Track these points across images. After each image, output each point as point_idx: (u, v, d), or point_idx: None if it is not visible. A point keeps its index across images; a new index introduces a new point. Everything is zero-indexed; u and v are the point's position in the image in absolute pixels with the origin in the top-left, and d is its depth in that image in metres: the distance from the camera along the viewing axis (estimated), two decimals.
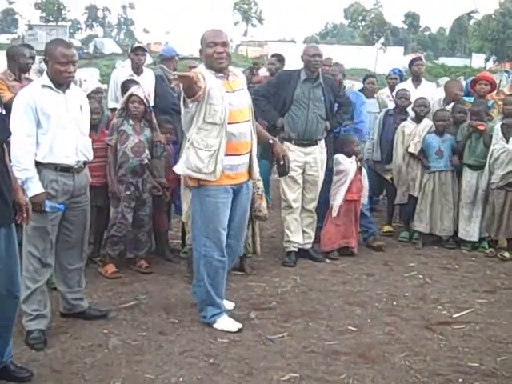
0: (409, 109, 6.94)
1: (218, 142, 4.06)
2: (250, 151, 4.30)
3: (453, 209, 6.43)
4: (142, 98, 5.31)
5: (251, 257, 5.61)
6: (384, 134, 6.85)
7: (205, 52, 4.14)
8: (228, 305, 4.58)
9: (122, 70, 7.23)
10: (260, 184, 5.33)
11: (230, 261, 4.43)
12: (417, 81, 7.77)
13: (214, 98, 4.02)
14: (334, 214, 6.02)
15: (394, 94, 7.44)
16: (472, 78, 8.15)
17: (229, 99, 4.09)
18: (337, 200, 6.02)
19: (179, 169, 4.24)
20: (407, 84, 7.84)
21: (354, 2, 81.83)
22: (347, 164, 6.03)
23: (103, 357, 3.82)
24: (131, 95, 5.30)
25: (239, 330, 4.22)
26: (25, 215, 3.41)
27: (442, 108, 6.71)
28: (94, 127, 5.05)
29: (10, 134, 3.43)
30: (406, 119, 6.83)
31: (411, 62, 8.02)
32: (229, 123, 4.09)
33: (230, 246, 4.37)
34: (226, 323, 4.28)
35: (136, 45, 7.56)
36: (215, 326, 4.28)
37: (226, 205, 4.21)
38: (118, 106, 5.49)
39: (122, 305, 4.69)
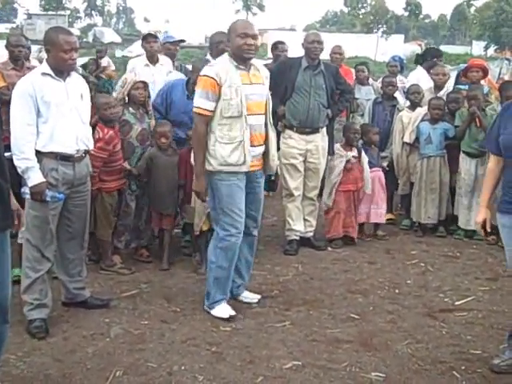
0: (396, 94, 7.03)
1: (241, 133, 4.14)
2: (265, 144, 4.35)
3: (438, 196, 6.41)
4: (146, 83, 5.28)
5: None
6: (375, 122, 6.81)
7: (234, 41, 4.18)
8: (252, 296, 4.62)
9: (138, 60, 7.08)
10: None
11: (248, 247, 4.52)
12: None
13: (227, 94, 4.11)
14: (329, 203, 6.05)
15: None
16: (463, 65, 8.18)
17: (245, 91, 4.15)
18: (328, 191, 6.06)
19: (208, 166, 4.22)
20: (419, 71, 7.79)
21: None
22: (338, 159, 6.02)
23: (105, 345, 3.82)
24: (135, 82, 5.26)
25: (230, 317, 4.21)
26: (16, 222, 3.08)
27: (436, 96, 6.67)
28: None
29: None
30: (394, 105, 6.85)
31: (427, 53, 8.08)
32: None
33: (248, 230, 4.44)
34: (220, 309, 4.28)
35: (146, 32, 7.36)
36: (212, 311, 4.30)
37: (239, 186, 4.24)
38: (119, 96, 5.40)
39: (123, 294, 4.68)
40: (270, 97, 4.49)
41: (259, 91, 4.30)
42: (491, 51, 52.23)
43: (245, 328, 4.12)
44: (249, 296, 4.61)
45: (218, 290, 4.32)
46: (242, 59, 4.21)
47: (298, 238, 5.90)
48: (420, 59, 8.16)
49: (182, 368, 3.55)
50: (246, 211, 4.35)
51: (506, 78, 15.03)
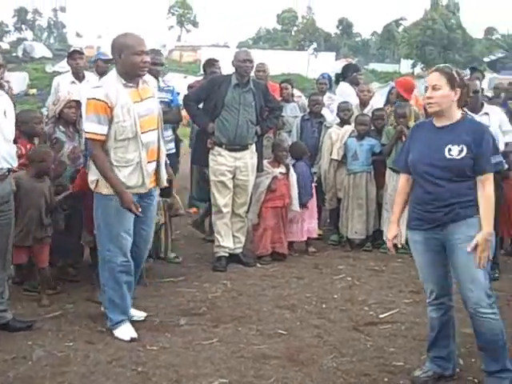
0: (324, 111, 7.22)
1: (137, 154, 4.08)
2: (158, 159, 4.30)
3: (366, 212, 6.58)
4: (80, 102, 5.20)
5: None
6: (303, 139, 6.91)
7: (129, 59, 4.04)
8: (139, 314, 4.54)
9: (64, 78, 6.91)
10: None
11: (135, 266, 4.37)
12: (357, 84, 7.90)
13: (119, 116, 4.02)
14: (255, 219, 6.16)
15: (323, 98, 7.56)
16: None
17: (137, 109, 4.08)
18: (254, 207, 6.15)
19: (104, 189, 4.12)
20: (346, 87, 7.97)
21: (287, 8, 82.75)
22: (265, 175, 6.11)
23: (27, 369, 3.71)
24: (69, 100, 5.18)
25: (132, 340, 4.14)
26: None
27: (362, 113, 6.89)
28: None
29: None
30: (322, 122, 7.00)
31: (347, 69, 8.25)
32: None
33: (138, 249, 4.38)
34: (122, 331, 4.21)
35: (72, 49, 7.24)
36: (114, 332, 4.22)
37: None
38: (51, 113, 5.33)
39: (47, 315, 4.57)
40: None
41: (151, 106, 4.23)
42: (418, 69, 53.87)
43: (172, 346, 4.09)
44: (135, 314, 4.51)
45: (116, 310, 4.26)
46: (134, 77, 4.12)
47: (226, 254, 5.91)
48: (340, 77, 8.39)
49: None
50: (137, 229, 4.29)
51: None
